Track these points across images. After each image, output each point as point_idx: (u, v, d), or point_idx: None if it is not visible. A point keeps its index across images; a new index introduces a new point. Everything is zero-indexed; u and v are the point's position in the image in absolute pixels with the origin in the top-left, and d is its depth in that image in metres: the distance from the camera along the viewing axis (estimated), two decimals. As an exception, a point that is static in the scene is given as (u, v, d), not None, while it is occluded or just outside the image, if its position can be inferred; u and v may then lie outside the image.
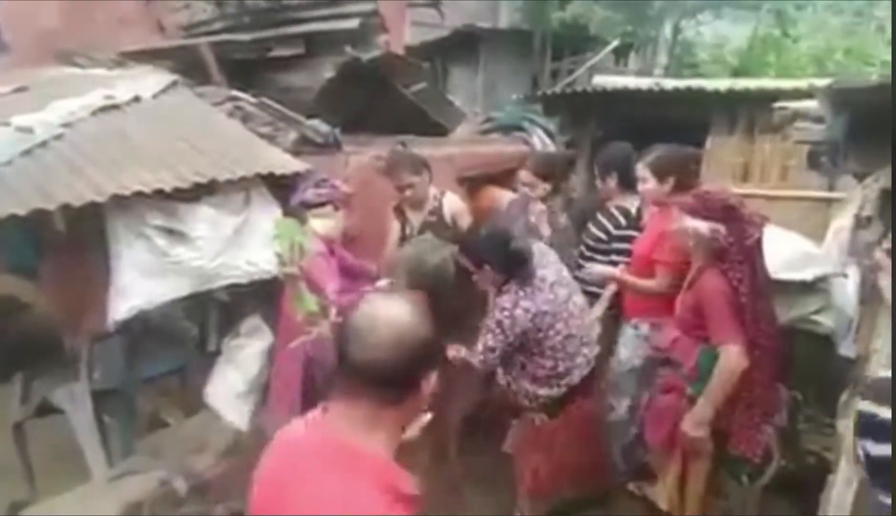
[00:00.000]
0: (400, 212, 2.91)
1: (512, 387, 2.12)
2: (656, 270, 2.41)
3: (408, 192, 2.75)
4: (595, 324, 2.36)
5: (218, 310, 3.18)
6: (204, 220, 2.61)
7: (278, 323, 2.73)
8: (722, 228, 1.99)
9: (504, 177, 3.89)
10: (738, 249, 1.98)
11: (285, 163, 2.86)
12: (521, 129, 4.36)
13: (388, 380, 0.96)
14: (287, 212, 2.63)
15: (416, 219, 2.87)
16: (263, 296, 3.12)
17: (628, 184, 2.62)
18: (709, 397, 2.04)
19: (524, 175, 2.84)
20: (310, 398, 2.50)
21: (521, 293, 2.12)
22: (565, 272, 2.25)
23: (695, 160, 2.93)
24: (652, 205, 2.58)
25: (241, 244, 2.72)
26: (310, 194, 2.56)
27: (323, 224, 2.49)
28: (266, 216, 2.77)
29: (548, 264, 2.20)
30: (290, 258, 2.13)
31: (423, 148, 3.61)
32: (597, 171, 2.67)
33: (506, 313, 2.08)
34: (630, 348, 2.51)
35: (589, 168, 4.04)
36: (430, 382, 1.01)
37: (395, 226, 2.90)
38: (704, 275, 2.06)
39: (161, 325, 2.92)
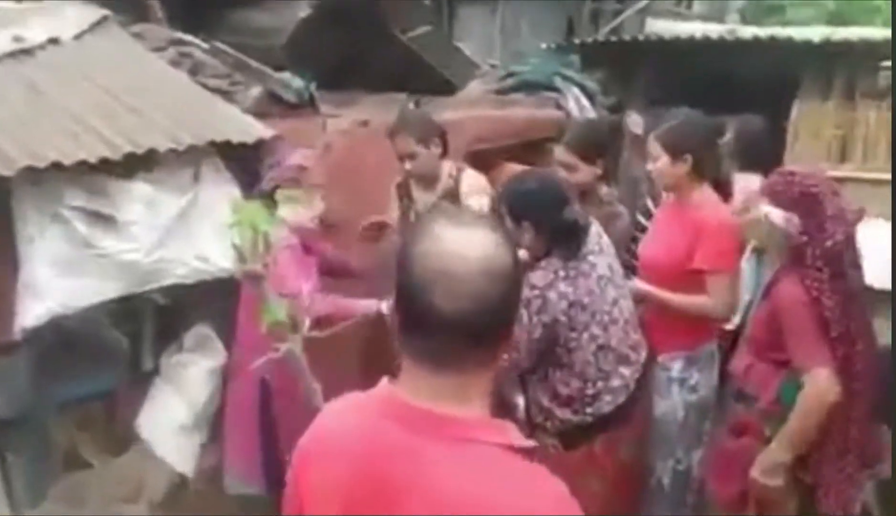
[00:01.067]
0: (405, 192, 2.95)
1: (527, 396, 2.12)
2: (709, 283, 2.32)
3: (407, 164, 2.77)
4: (642, 342, 2.32)
5: (156, 318, 3.23)
6: (139, 201, 2.64)
7: (235, 335, 2.76)
8: (796, 219, 1.97)
9: (529, 153, 3.94)
10: (815, 250, 1.95)
11: (246, 129, 2.89)
12: (552, 88, 4.39)
13: (484, 334, 0.92)
14: (249, 193, 2.67)
15: (424, 201, 2.91)
16: (215, 301, 3.16)
17: (707, 170, 2.43)
18: (787, 435, 2.00)
19: (560, 153, 2.70)
20: (269, 436, 2.54)
21: (562, 272, 2.06)
22: (619, 270, 2.23)
23: (719, 133, 2.80)
24: (667, 193, 2.58)
25: (187, 233, 2.76)
26: (273, 174, 2.59)
27: (292, 209, 2.52)
28: (220, 197, 2.80)
29: (601, 251, 2.17)
30: (251, 252, 2.14)
31: (421, 109, 3.68)
32: (656, 150, 2.40)
33: (536, 292, 2.00)
34: (666, 396, 2.44)
35: (639, 143, 4.08)
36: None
37: (392, 207, 2.96)
38: (783, 282, 2.04)
39: (82, 335, 2.96)
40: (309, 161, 2.62)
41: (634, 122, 3.87)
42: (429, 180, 2.86)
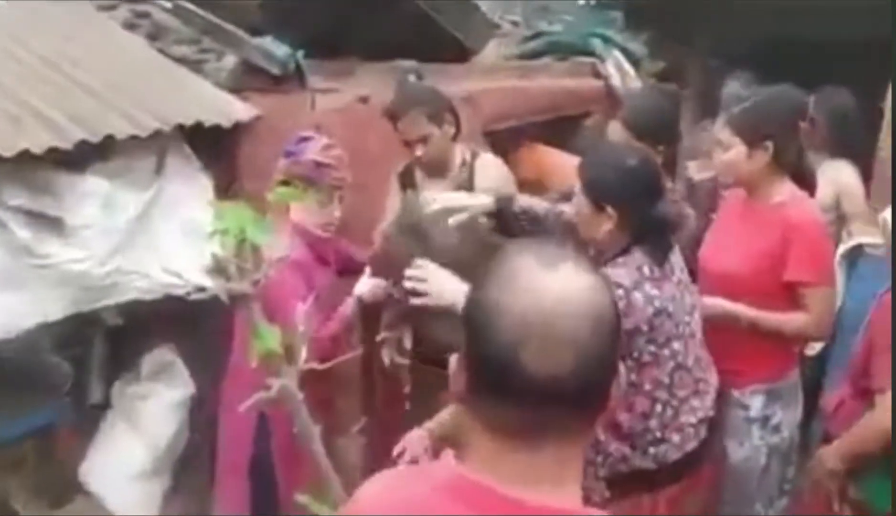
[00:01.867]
0: (409, 182, 3.00)
1: None
2: (808, 297, 2.34)
3: (418, 151, 2.81)
4: (713, 367, 2.34)
5: (107, 339, 3.30)
6: (92, 200, 2.70)
7: (228, 363, 2.77)
8: None
9: (560, 132, 3.98)
10: None
11: (220, 109, 2.95)
12: (588, 52, 4.41)
13: (587, 398, 0.92)
14: (230, 190, 2.72)
15: (432, 191, 2.90)
16: (181, 320, 3.25)
17: (788, 159, 2.43)
18: (842, 448, 2.24)
19: (616, 132, 2.69)
20: (261, 488, 2.60)
21: (647, 271, 2.07)
22: (688, 278, 2.27)
23: (802, 113, 2.78)
24: (728, 189, 2.60)
25: (149, 238, 2.83)
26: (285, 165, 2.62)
27: (306, 208, 2.60)
28: (189, 193, 2.88)
29: (675, 253, 2.22)
30: (238, 266, 2.17)
31: (434, 80, 3.70)
32: (727, 136, 2.41)
33: (620, 292, 1.99)
34: (744, 441, 2.46)
35: (697, 120, 4.13)
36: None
37: (392, 202, 2.99)
38: (886, 297, 2.15)
39: (16, 361, 3.02)
40: (329, 156, 2.66)
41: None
42: (439, 168, 2.91)
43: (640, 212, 2.08)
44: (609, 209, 2.09)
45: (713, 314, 2.33)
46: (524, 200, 2.49)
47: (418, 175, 2.98)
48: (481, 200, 2.47)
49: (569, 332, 0.89)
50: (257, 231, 2.11)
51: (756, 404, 2.46)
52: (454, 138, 2.90)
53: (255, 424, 2.59)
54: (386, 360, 2.52)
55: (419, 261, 2.30)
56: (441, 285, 2.28)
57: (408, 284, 2.31)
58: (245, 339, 2.55)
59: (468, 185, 2.91)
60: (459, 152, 2.94)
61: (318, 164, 2.63)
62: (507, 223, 2.45)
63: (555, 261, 0.94)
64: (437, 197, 2.50)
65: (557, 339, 0.89)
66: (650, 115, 2.67)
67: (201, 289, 2.55)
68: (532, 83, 4.03)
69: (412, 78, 3.12)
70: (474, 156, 2.95)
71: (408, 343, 2.57)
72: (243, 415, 2.64)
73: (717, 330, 2.35)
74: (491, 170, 2.94)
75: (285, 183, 2.58)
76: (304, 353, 2.20)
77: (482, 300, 0.93)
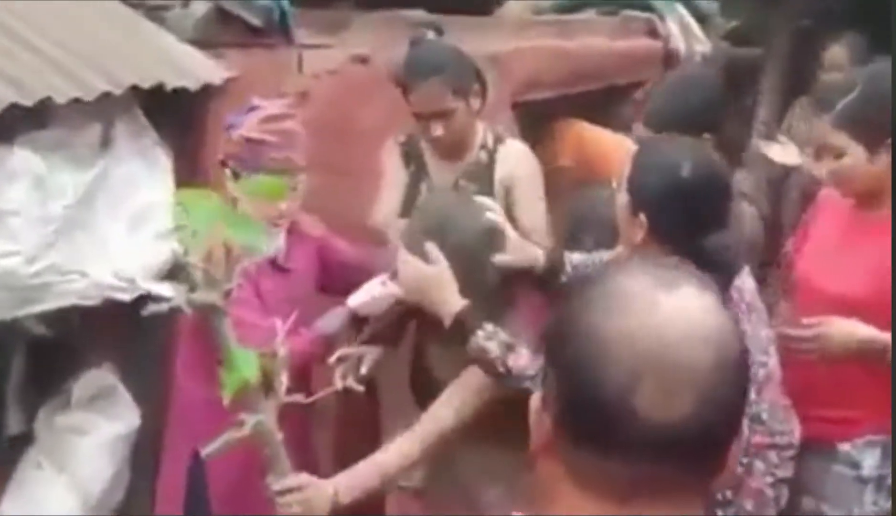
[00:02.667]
0: (414, 158, 3.00)
1: None
2: None
3: (437, 130, 2.81)
4: (793, 416, 2.34)
5: (30, 356, 3.28)
6: (22, 179, 2.69)
7: (169, 390, 2.80)
8: None
9: (607, 106, 3.98)
10: None
11: (187, 68, 2.94)
12: (644, 5, 4.42)
13: (709, 452, 0.93)
14: (196, 172, 2.72)
15: (443, 175, 2.96)
16: (124, 334, 3.24)
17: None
18: None
19: (639, 131, 2.86)
20: None
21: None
22: (761, 304, 2.29)
23: None
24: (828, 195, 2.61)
25: (91, 230, 2.82)
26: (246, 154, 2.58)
27: (247, 198, 2.54)
28: (144, 174, 2.88)
29: (744, 274, 2.25)
30: (205, 272, 2.17)
31: (447, 35, 3.69)
32: (841, 140, 2.42)
33: None
34: (854, 507, 2.46)
35: (781, 95, 4.14)
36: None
37: (391, 179, 2.99)
38: None
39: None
40: (266, 130, 2.58)
41: None
42: (456, 148, 2.92)
43: (681, 240, 2.04)
44: (642, 217, 2.10)
45: (840, 342, 2.34)
46: (577, 257, 2.48)
47: (426, 152, 2.98)
48: (532, 254, 2.41)
49: (692, 369, 0.89)
50: (232, 228, 2.11)
51: (869, 461, 2.45)
52: (479, 113, 2.91)
53: (188, 472, 2.63)
54: (338, 384, 2.56)
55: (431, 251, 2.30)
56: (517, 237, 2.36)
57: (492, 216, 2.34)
58: (197, 360, 2.59)
59: (486, 174, 2.93)
60: (481, 131, 2.95)
61: (250, 142, 2.57)
62: (551, 280, 2.44)
63: (666, 276, 0.94)
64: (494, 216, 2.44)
65: (679, 378, 0.89)
66: (676, 116, 2.65)
67: (156, 298, 2.54)
68: (572, 43, 4.05)
69: (430, 35, 3.10)
70: (498, 140, 2.97)
71: (364, 367, 2.59)
72: (180, 459, 2.67)
73: (811, 366, 2.36)
74: (517, 162, 2.96)
75: (224, 164, 2.60)
76: (284, 382, 2.21)
77: (582, 327, 0.92)
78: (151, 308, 2.29)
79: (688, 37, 4.29)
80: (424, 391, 2.46)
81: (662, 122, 2.64)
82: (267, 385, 2.21)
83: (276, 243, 2.61)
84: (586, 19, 4.39)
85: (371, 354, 2.61)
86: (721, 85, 2.96)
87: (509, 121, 3.74)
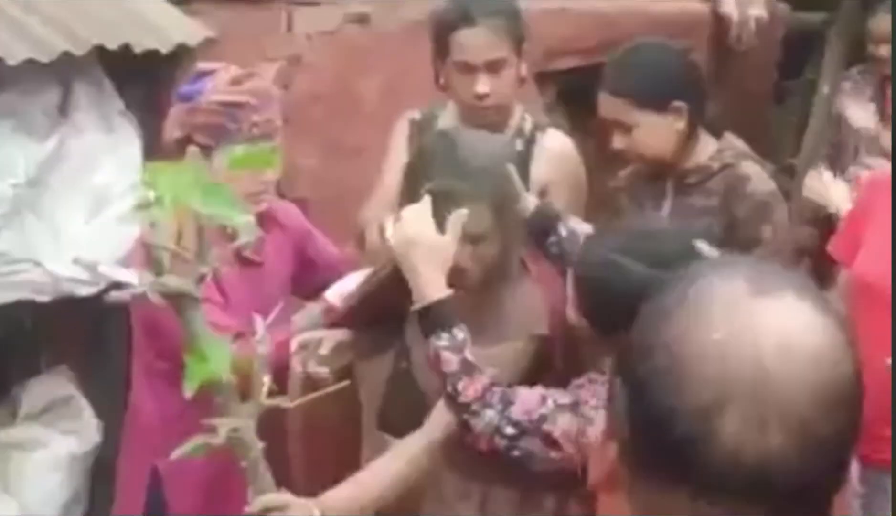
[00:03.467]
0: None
1: None
2: None
3: (484, 86, 2.85)
4: None
5: None
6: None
7: (133, 390, 2.88)
8: None
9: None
10: None
11: (157, 26, 3.08)
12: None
13: (803, 493, 0.92)
14: (165, 145, 2.84)
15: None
16: (83, 332, 3.37)
17: None
18: None
19: (604, 109, 2.83)
20: None
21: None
22: None
23: None
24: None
25: (45, 211, 2.98)
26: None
27: (217, 171, 2.56)
28: (107, 146, 3.03)
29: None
30: (176, 255, 2.25)
31: None
32: None
33: None
34: None
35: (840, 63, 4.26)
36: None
37: (393, 165, 2.95)
38: None
39: None
40: (241, 91, 2.66)
41: None
42: (491, 122, 2.90)
43: None
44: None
45: None
46: (578, 225, 2.64)
47: (447, 118, 3.00)
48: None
49: (793, 394, 0.89)
50: (208, 204, 2.17)
51: None
52: (521, 85, 3.00)
53: (146, 492, 2.74)
54: (298, 367, 2.64)
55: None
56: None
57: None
58: (148, 371, 2.67)
59: (520, 166, 2.80)
60: (518, 112, 3.02)
61: (227, 107, 2.64)
62: (541, 241, 2.60)
63: (777, 286, 0.93)
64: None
65: (772, 403, 0.88)
66: (639, 76, 2.83)
67: (118, 286, 2.52)
68: (606, 4, 4.13)
69: None
70: (537, 128, 3.02)
71: (324, 349, 2.67)
72: (137, 479, 2.75)
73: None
74: (559, 160, 3.00)
75: (186, 141, 2.64)
76: (265, 383, 2.31)
77: (661, 338, 0.92)
78: (113, 296, 2.33)
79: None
80: (405, 400, 2.58)
81: (622, 88, 2.81)
82: (244, 388, 2.32)
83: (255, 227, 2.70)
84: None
85: (335, 336, 2.69)
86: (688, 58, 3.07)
87: (531, 94, 3.88)
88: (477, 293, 2.44)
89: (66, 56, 2.94)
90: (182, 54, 3.13)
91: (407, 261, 2.31)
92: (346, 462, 2.55)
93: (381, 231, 2.56)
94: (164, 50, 3.09)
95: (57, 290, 3.02)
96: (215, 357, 2.21)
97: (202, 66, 2.72)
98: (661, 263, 2.08)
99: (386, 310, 2.64)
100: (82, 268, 2.87)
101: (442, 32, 2.88)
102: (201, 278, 2.19)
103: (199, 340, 2.20)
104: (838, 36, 4.50)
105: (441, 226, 2.29)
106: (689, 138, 2.80)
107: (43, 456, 3.32)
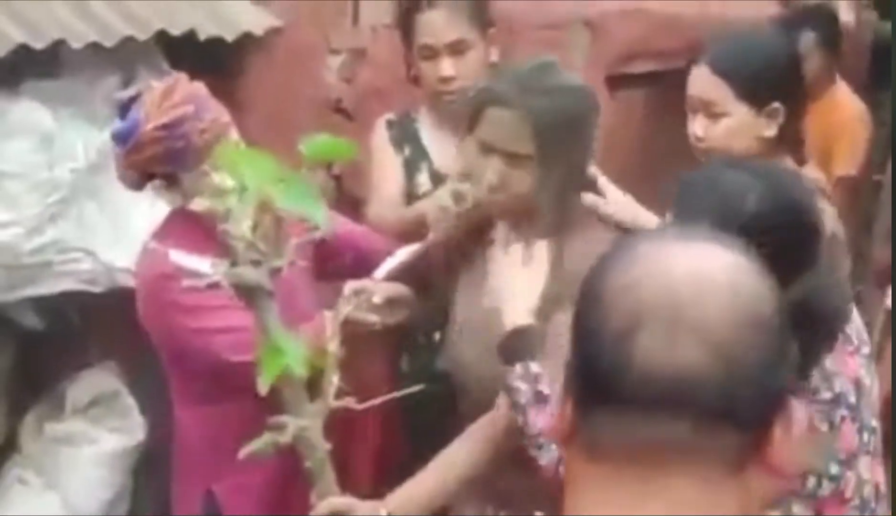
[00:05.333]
0: (410, 142, 3.04)
1: None
2: None
3: (447, 69, 2.87)
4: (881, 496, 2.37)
5: (17, 352, 3.35)
6: (24, 135, 2.83)
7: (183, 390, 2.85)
8: None
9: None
10: None
11: (222, 14, 3.05)
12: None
13: (725, 411, 1.00)
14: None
15: (447, 153, 2.96)
16: (132, 328, 3.31)
17: None
18: None
19: (698, 82, 2.70)
20: None
21: None
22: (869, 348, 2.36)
23: None
24: None
25: (103, 200, 2.94)
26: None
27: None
28: None
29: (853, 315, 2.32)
30: (252, 246, 2.22)
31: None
32: None
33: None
34: None
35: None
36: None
37: (386, 165, 3.02)
38: None
39: None
40: (174, 106, 2.47)
41: None
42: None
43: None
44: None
45: None
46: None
47: (423, 129, 3.04)
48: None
49: (702, 317, 0.98)
50: (289, 195, 2.15)
51: None
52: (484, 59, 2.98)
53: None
54: (343, 309, 2.47)
55: None
56: None
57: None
58: (191, 394, 2.62)
59: None
60: None
61: (168, 128, 2.46)
62: None
63: (695, 237, 1.06)
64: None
65: (685, 325, 0.97)
66: (747, 60, 2.70)
67: (191, 273, 2.49)
68: (685, 5, 4.09)
69: None
70: None
71: (378, 297, 2.59)
72: (190, 497, 2.70)
73: None
74: None
75: (146, 178, 2.52)
76: (334, 383, 2.26)
77: (589, 285, 1.04)
78: (185, 284, 2.27)
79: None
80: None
81: (726, 68, 2.68)
82: (312, 386, 2.27)
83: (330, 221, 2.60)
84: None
85: (391, 288, 2.63)
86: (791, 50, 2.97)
87: (603, 98, 3.82)
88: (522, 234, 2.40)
89: (129, 41, 2.92)
90: (248, 43, 3.09)
91: (498, 295, 2.34)
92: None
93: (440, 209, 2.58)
94: (229, 37, 3.06)
95: (111, 281, 3.00)
96: (290, 350, 2.17)
97: (120, 95, 2.62)
98: None
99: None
100: (127, 253, 2.82)
101: (406, 17, 2.93)
102: (276, 271, 2.15)
103: (273, 334, 2.16)
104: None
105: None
106: (771, 151, 2.64)
107: (89, 452, 3.29)
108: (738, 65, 2.62)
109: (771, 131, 2.62)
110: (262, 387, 2.16)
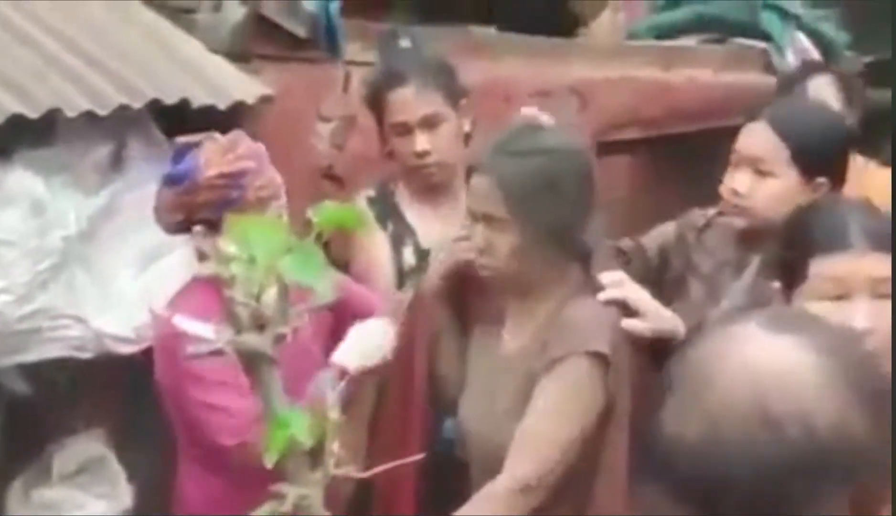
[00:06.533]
0: (392, 218, 3.06)
1: None
2: None
3: (422, 143, 2.90)
4: None
5: (5, 417, 3.32)
6: (16, 202, 2.84)
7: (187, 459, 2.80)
8: None
9: (712, 154, 4.04)
10: None
11: (216, 82, 3.08)
12: (754, 31, 4.52)
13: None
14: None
15: (430, 226, 3.01)
16: (119, 393, 3.32)
17: None
18: None
19: (754, 138, 2.69)
20: None
21: None
22: None
23: None
24: None
25: (94, 266, 2.96)
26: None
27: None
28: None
29: None
30: (255, 312, 2.24)
31: (517, 59, 3.80)
32: None
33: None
34: None
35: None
36: None
37: (376, 255, 3.03)
38: None
39: None
40: (237, 159, 2.57)
41: None
42: (441, 184, 3.00)
43: None
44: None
45: None
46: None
47: (404, 202, 3.05)
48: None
49: (742, 419, 0.97)
50: (297, 265, 2.17)
51: None
52: (468, 142, 3.01)
53: None
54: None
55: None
56: (655, 305, 2.43)
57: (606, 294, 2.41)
58: (191, 457, 2.63)
59: None
60: None
61: (230, 177, 2.56)
62: None
63: (785, 324, 1.02)
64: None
65: (728, 424, 0.97)
66: (810, 129, 2.69)
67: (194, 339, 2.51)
68: (672, 75, 4.16)
69: (405, 42, 3.26)
70: None
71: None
72: None
73: None
74: None
75: (187, 222, 2.56)
76: (335, 452, 2.26)
77: (681, 353, 1.04)
78: (190, 351, 2.31)
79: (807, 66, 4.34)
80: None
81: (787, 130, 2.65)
82: (314, 455, 2.27)
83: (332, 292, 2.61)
84: (689, 47, 4.47)
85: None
86: (847, 130, 2.96)
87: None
88: (519, 298, 2.43)
89: (122, 109, 2.94)
90: (240, 111, 3.10)
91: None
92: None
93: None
94: (221, 106, 3.07)
95: (99, 348, 2.99)
96: (295, 422, 2.15)
97: (179, 141, 2.67)
98: None
99: None
100: (123, 326, 2.88)
101: (376, 96, 2.96)
102: (280, 338, 2.13)
103: (275, 404, 2.15)
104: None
105: None
106: None
107: (77, 522, 3.25)
108: (801, 130, 2.60)
109: None
110: (269, 461, 2.18)
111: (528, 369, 2.36)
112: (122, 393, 3.33)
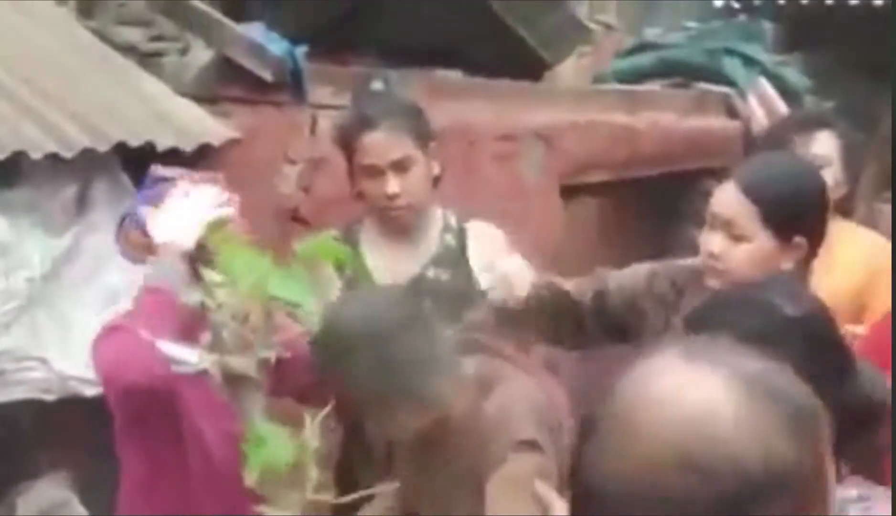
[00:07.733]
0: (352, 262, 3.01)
1: None
2: None
3: (393, 186, 2.91)
4: None
5: None
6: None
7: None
8: None
9: (677, 197, 4.08)
10: None
11: (181, 125, 3.07)
12: (718, 76, 4.57)
13: None
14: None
15: (394, 267, 3.04)
16: (82, 434, 3.28)
17: None
18: None
19: (725, 199, 2.57)
20: None
21: None
22: None
23: None
24: None
25: (57, 308, 2.94)
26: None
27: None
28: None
29: None
30: (238, 335, 2.24)
31: (483, 103, 3.82)
32: None
33: None
34: None
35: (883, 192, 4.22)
36: None
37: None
38: None
39: None
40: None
41: None
42: (409, 226, 3.03)
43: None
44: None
45: None
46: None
47: (368, 238, 3.05)
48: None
49: (666, 467, 0.96)
50: (284, 289, 2.19)
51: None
52: (437, 184, 3.05)
53: None
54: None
55: None
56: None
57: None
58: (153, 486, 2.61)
59: (459, 260, 3.03)
60: (440, 212, 3.08)
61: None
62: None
63: (702, 355, 1.03)
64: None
65: (651, 470, 0.97)
66: (780, 188, 2.53)
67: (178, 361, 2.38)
68: (635, 119, 4.19)
69: (377, 84, 3.31)
70: (461, 220, 3.10)
71: None
72: None
73: None
74: (488, 243, 3.07)
75: None
76: (314, 475, 2.28)
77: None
78: (175, 369, 2.27)
79: (772, 111, 4.39)
80: None
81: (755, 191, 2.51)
82: (293, 479, 2.29)
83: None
84: (653, 92, 4.53)
85: None
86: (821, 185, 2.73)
87: (556, 207, 3.86)
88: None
89: (88, 152, 2.93)
90: (205, 153, 3.11)
91: None
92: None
93: None
94: (187, 149, 3.07)
95: (63, 390, 2.98)
96: (274, 443, 2.23)
97: (155, 170, 2.65)
98: None
99: None
100: (79, 363, 2.82)
101: (347, 140, 2.97)
102: (263, 362, 2.24)
103: (257, 425, 2.24)
104: (878, 160, 4.48)
105: None
106: None
107: (37, 570, 3.22)
108: (771, 189, 2.49)
109: (788, 265, 2.49)
110: (249, 479, 2.20)
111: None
112: (86, 436, 3.30)
